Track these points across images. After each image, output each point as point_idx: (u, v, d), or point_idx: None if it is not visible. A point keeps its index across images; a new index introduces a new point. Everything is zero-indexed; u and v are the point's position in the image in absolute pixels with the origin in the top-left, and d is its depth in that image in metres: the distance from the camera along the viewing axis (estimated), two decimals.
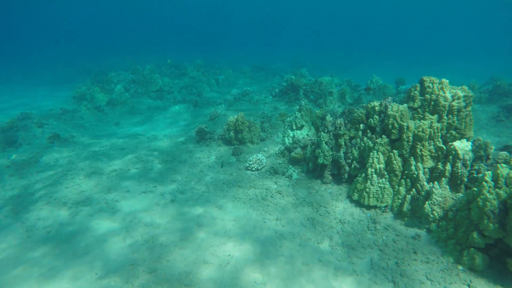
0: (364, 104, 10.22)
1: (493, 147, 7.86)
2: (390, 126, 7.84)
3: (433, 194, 6.85)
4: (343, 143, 9.34)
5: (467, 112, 7.62)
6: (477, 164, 7.26)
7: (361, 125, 8.97)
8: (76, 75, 36.60)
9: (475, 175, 7.08)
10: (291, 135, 11.88)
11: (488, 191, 5.92)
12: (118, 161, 12.24)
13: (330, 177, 9.50)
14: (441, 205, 6.87)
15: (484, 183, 5.99)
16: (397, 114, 7.68)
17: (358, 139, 8.90)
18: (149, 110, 21.27)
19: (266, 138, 13.23)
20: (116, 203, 9.17)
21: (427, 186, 7.08)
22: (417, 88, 8.65)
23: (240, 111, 18.43)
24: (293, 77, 20.16)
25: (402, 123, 7.66)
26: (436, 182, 6.87)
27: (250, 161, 10.92)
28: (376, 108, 8.56)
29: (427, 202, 6.92)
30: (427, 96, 7.88)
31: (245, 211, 8.65)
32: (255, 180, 10.32)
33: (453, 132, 7.57)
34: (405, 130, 7.53)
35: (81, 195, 9.65)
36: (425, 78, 8.56)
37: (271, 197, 9.30)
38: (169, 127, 17.40)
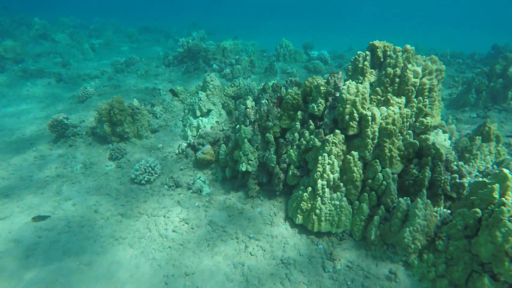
0: (294, 79, 7.49)
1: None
2: (347, 117, 5.26)
3: (416, 218, 4.64)
4: (272, 139, 6.50)
5: (438, 92, 5.56)
6: (455, 163, 5.33)
7: (299, 113, 6.22)
8: None
9: (457, 180, 5.13)
10: (195, 124, 8.51)
11: (510, 220, 3.90)
12: None
13: (258, 188, 6.67)
14: (425, 230, 4.76)
15: (503, 207, 3.93)
16: (357, 99, 5.11)
17: (295, 134, 6.17)
18: None
19: (160, 129, 9.52)
20: None
21: (403, 204, 4.84)
22: (367, 57, 6.22)
23: (123, 87, 13.95)
24: (190, 40, 16.22)
25: (364, 111, 5.16)
26: (418, 200, 4.65)
27: (137, 170, 7.26)
28: (322, 88, 5.86)
29: (407, 229, 4.70)
30: (389, 70, 5.51)
31: (132, 270, 5.21)
32: (147, 202, 6.80)
33: (424, 120, 5.45)
34: (370, 123, 5.06)
35: None
36: (376, 43, 6.16)
37: (174, 231, 6.02)
38: (11, 116, 11.86)
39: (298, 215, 5.74)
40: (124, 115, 8.43)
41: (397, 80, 5.46)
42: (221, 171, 7.21)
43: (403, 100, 5.36)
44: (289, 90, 6.54)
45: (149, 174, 7.27)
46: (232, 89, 9.37)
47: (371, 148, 5.25)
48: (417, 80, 5.33)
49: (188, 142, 8.00)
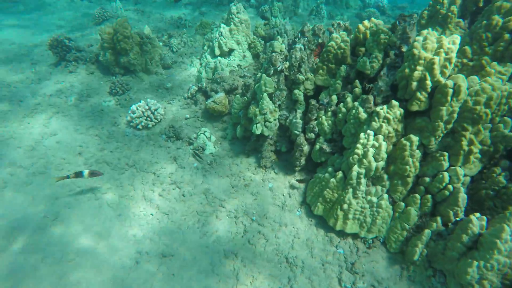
0: (343, 22, 5.62)
1: None
2: (414, 84, 3.53)
3: (494, 252, 3.11)
4: (301, 98, 4.91)
5: None
6: None
7: (343, 68, 4.52)
8: None
9: None
10: (211, 65, 6.97)
11: None
12: None
13: (274, 157, 5.28)
14: (504, 270, 3.24)
15: None
16: (437, 59, 3.32)
17: (333, 96, 4.54)
18: None
19: (173, 65, 8.07)
20: None
21: (475, 225, 3.29)
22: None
23: (146, 13, 12.37)
24: None
25: (443, 80, 3.41)
26: (505, 228, 3.06)
27: (134, 112, 6.03)
28: (382, 36, 4.06)
29: (474, 262, 3.21)
30: (495, 18, 3.58)
31: (102, 238, 4.19)
32: (139, 152, 5.66)
33: None
34: (449, 98, 3.33)
35: None
36: None
37: (161, 195, 4.88)
38: (26, 29, 10.79)
39: (319, 204, 4.35)
40: (130, 43, 7.01)
41: (506, 36, 3.55)
42: (232, 127, 5.82)
43: (509, 69, 3.50)
44: (334, 35, 4.75)
45: (148, 119, 6.03)
46: (264, 27, 7.56)
47: (441, 135, 3.58)
48: None
49: (199, 85, 6.56)
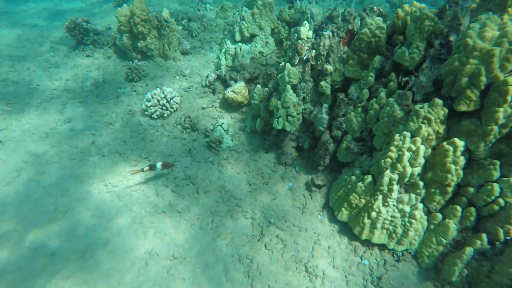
0: (378, 7, 5.05)
1: None
2: (464, 81, 3.01)
3: None
4: (328, 91, 4.45)
5: None
6: None
7: (377, 58, 4.01)
8: None
9: None
10: (232, 51, 6.55)
11: None
12: None
13: (295, 154, 4.89)
14: None
15: None
16: (497, 50, 2.78)
17: (364, 90, 4.06)
18: None
19: (192, 50, 7.70)
20: None
21: None
22: None
23: None
24: None
25: (501, 75, 2.88)
26: None
27: (149, 100, 5.75)
28: (427, 22, 3.52)
29: None
30: None
31: (109, 230, 4.00)
32: (154, 142, 5.41)
33: None
34: (509, 96, 2.81)
35: None
36: None
37: (173, 192, 4.62)
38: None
39: (343, 209, 3.96)
40: (148, 27, 6.68)
41: None
42: (251, 120, 5.45)
43: None
44: (369, 20, 4.22)
45: (163, 107, 5.75)
46: (288, 11, 7.02)
47: (493, 140, 3.07)
48: None
49: (218, 73, 6.19)
